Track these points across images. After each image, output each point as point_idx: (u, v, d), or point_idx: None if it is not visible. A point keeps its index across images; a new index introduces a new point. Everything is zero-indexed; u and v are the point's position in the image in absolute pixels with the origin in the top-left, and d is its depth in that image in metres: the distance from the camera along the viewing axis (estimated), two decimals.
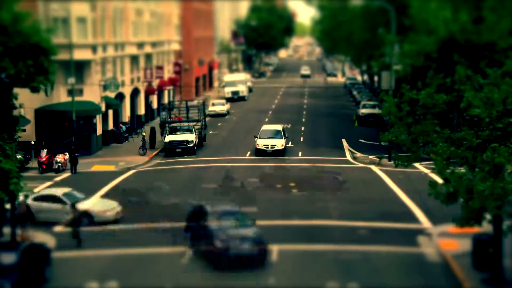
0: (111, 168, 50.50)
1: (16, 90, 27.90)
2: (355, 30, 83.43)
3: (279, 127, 57.50)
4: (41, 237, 31.89)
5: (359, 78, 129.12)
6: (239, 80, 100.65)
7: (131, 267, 28.18)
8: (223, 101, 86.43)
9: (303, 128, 70.68)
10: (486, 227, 26.16)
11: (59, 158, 48.81)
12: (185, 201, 37.86)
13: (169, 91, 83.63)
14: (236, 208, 31.88)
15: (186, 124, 59.94)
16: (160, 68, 75.80)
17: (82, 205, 34.29)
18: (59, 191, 35.69)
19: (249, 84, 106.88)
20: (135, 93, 69.53)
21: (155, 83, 75.49)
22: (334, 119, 78.37)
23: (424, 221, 34.63)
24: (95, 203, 35.40)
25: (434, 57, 48.79)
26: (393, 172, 46.42)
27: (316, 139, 64.35)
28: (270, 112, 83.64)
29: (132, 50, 66.97)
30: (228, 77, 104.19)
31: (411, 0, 54.60)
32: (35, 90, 27.33)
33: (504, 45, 42.79)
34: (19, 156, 32.44)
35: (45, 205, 34.69)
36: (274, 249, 30.07)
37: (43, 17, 51.59)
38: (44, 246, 27.11)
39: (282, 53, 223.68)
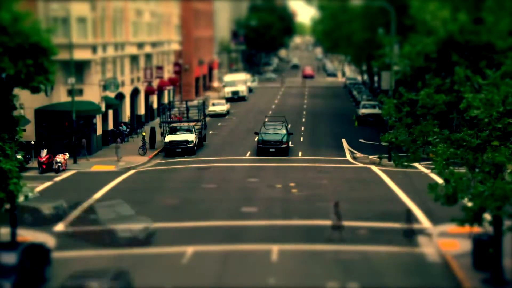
0: (111, 168, 50.51)
1: (16, 90, 27.89)
2: (355, 30, 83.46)
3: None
4: (41, 237, 31.92)
5: (359, 78, 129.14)
6: (239, 80, 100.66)
7: (131, 267, 28.17)
8: (223, 101, 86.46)
9: (303, 128, 70.68)
10: (486, 227, 26.16)
11: (59, 158, 48.81)
12: None
13: (169, 91, 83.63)
14: None
15: (186, 124, 59.97)
16: (160, 68, 75.81)
17: None
18: None
19: (249, 84, 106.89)
20: (135, 93, 69.54)
21: (155, 83, 75.50)
22: (334, 119, 78.36)
23: (424, 221, 34.64)
24: None
25: (433, 58, 48.80)
26: (393, 172, 46.43)
27: (316, 139, 64.36)
28: (270, 112, 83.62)
29: (132, 50, 66.97)
30: (228, 77, 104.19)
31: (411, 0, 54.66)
32: (35, 90, 27.31)
33: (503, 45, 42.81)
34: (19, 156, 32.38)
35: None
36: (274, 249, 30.11)
37: (43, 17, 51.58)
38: (44, 246, 27.11)
39: (282, 53, 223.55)
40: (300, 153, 56.34)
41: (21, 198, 31.59)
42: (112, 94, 59.68)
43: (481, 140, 27.27)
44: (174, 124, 59.33)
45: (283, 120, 56.84)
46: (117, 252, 30.20)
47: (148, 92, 73.20)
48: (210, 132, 67.25)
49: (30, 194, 29.20)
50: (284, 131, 56.20)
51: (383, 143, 42.00)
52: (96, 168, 50.54)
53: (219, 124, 74.32)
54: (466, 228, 26.48)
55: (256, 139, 54.11)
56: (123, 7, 64.75)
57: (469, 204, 25.67)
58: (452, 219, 25.88)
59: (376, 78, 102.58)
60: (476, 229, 26.59)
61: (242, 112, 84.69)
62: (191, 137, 56.18)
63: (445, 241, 30.89)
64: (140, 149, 55.90)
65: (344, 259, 28.97)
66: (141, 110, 71.48)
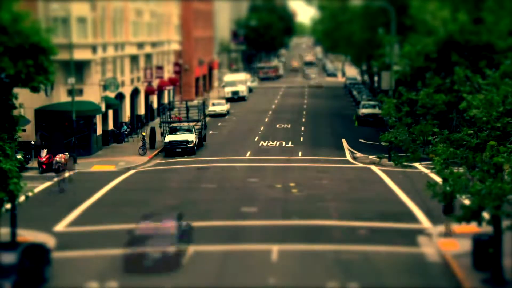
0: (111, 168, 50.51)
1: (16, 90, 27.91)
2: (355, 30, 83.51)
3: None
4: (41, 237, 31.93)
5: (358, 78, 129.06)
6: (239, 80, 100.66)
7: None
8: (223, 101, 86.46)
9: (303, 128, 70.68)
10: (486, 227, 26.17)
11: (59, 158, 48.78)
12: None
13: (169, 91, 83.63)
14: None
15: (186, 124, 59.97)
16: (160, 68, 75.80)
17: None
18: None
19: (249, 84, 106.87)
20: (135, 93, 69.54)
21: (155, 83, 75.49)
22: (334, 119, 78.36)
23: (424, 221, 34.63)
24: None
25: (433, 58, 48.82)
26: (393, 172, 46.43)
27: (316, 139, 64.34)
28: (270, 112, 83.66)
29: (132, 50, 66.97)
30: (228, 77, 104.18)
31: (411, 0, 54.71)
32: (35, 90, 27.32)
33: (503, 45, 42.83)
34: (19, 156, 32.40)
35: None
36: (274, 249, 30.12)
37: (43, 17, 51.58)
38: (44, 246, 27.12)
39: (282, 54, 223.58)
40: (300, 153, 56.34)
41: (21, 198, 31.58)
42: (112, 94, 59.68)
43: (481, 140, 27.28)
44: (174, 124, 59.34)
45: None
46: (117, 252, 30.18)
47: (148, 92, 73.19)
48: (210, 132, 67.24)
49: (29, 194, 29.16)
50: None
51: (383, 143, 41.99)
52: (96, 168, 50.54)
53: (219, 124, 74.31)
54: (466, 228, 26.49)
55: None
56: (123, 7, 64.74)
57: (467, 202, 25.70)
58: (450, 216, 25.90)
59: (376, 78, 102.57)
60: (476, 228, 26.60)
61: (242, 112, 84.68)
62: (191, 137, 56.17)
63: (445, 241, 30.88)
64: (140, 149, 55.87)
65: (344, 259, 28.96)
66: (141, 110, 71.48)
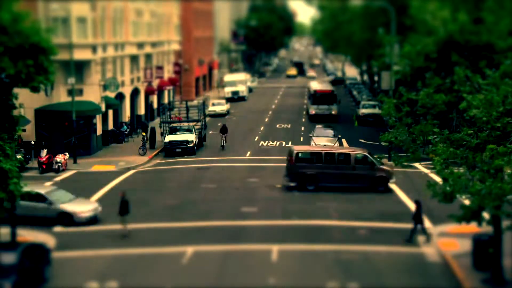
0: (111, 168, 50.49)
1: (16, 90, 27.92)
2: (355, 30, 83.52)
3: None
4: (41, 237, 31.93)
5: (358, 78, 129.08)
6: (239, 80, 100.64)
7: (131, 267, 28.20)
8: (223, 101, 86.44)
9: (303, 128, 70.65)
10: (486, 227, 26.17)
11: (59, 158, 48.81)
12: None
13: (169, 91, 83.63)
14: None
15: (186, 124, 59.96)
16: (160, 68, 75.77)
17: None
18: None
19: (249, 84, 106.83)
20: (135, 93, 69.53)
21: (155, 83, 75.48)
22: None
23: (424, 221, 34.61)
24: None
25: (433, 58, 48.82)
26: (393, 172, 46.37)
27: None
28: (270, 112, 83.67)
29: (132, 50, 66.96)
30: (228, 77, 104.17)
31: (411, 0, 54.70)
32: (35, 90, 27.33)
33: (503, 45, 42.82)
34: (19, 156, 32.42)
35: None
36: (274, 249, 30.12)
37: (43, 17, 51.57)
38: (44, 246, 27.12)
39: (282, 54, 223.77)
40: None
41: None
42: (112, 94, 59.67)
43: (481, 140, 27.29)
44: (174, 124, 59.33)
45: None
46: (117, 252, 30.20)
47: (148, 92, 73.18)
48: (210, 132, 67.24)
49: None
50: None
51: (383, 143, 41.99)
52: (96, 168, 50.53)
53: (219, 124, 74.20)
54: (466, 228, 26.47)
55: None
56: (123, 7, 64.73)
57: (467, 202, 25.68)
58: (450, 216, 25.91)
59: (376, 78, 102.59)
60: (476, 228, 26.60)
61: (242, 112, 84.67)
62: (191, 137, 56.16)
63: (445, 241, 30.90)
64: (140, 149, 55.87)
65: (344, 259, 28.98)
66: (141, 110, 71.47)
